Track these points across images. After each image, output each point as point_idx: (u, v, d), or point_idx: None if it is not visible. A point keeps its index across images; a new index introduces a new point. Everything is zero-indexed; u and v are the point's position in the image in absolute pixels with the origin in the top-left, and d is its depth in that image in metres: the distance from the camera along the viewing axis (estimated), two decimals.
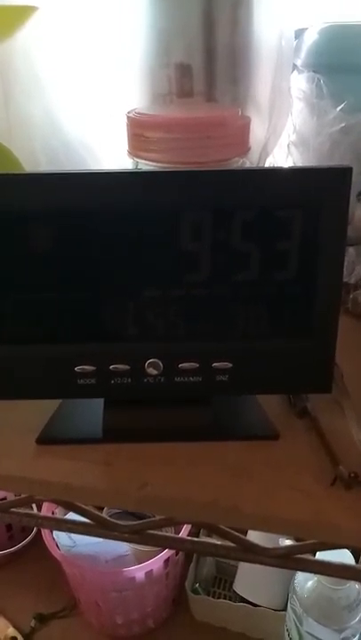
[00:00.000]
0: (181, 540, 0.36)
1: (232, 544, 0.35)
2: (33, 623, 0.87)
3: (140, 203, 0.32)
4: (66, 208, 0.32)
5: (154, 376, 0.35)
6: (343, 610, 0.67)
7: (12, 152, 0.47)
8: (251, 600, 0.84)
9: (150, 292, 0.34)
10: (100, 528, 0.36)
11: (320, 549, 0.33)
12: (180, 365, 0.35)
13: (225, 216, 0.33)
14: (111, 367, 0.35)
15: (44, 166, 0.51)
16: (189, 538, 0.36)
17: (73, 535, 0.82)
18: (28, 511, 0.38)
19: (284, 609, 0.79)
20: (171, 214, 0.33)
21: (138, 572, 0.77)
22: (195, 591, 0.87)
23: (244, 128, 0.44)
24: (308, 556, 0.33)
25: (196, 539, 0.35)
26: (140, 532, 0.35)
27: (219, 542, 0.35)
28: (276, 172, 0.33)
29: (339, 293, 0.34)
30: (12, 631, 0.86)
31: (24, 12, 0.40)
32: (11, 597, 0.91)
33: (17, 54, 0.48)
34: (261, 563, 0.34)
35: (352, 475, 0.32)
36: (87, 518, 0.36)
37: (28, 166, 0.49)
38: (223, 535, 0.34)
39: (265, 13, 0.48)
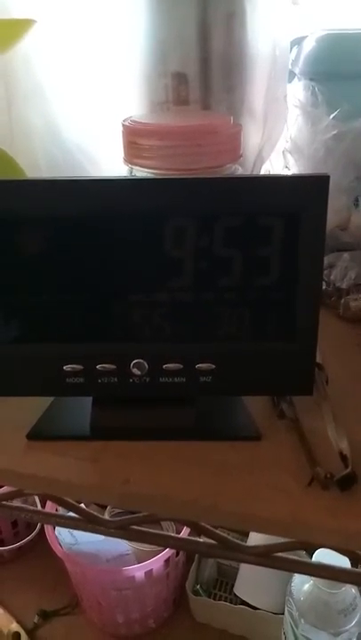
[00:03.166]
0: (165, 536, 0.37)
1: (213, 541, 0.35)
2: (36, 619, 0.89)
3: (126, 209, 0.34)
4: (54, 213, 0.34)
5: (139, 376, 0.37)
6: (339, 614, 0.67)
7: (14, 159, 0.49)
8: (251, 603, 0.84)
9: (136, 296, 0.36)
10: (87, 522, 0.38)
11: (298, 548, 0.34)
12: (164, 366, 0.36)
13: (208, 223, 0.34)
14: (98, 367, 0.37)
15: (45, 172, 0.52)
16: (173, 535, 0.37)
17: (75, 533, 0.84)
18: (19, 504, 0.39)
19: (283, 612, 0.79)
20: (156, 220, 0.34)
21: (138, 571, 0.78)
22: (195, 592, 0.87)
23: (235, 135, 0.45)
24: (287, 555, 0.34)
25: (178, 536, 0.36)
26: (126, 528, 0.37)
27: (201, 540, 0.36)
28: (257, 181, 0.34)
29: (318, 298, 0.35)
30: (15, 626, 0.88)
31: (22, 26, 0.41)
32: (15, 593, 0.93)
33: (19, 63, 0.50)
34: (241, 560, 0.35)
35: (328, 475, 0.33)
36: (75, 513, 0.38)
37: (30, 172, 0.51)
38: (204, 532, 0.35)
39: (259, 24, 0.50)
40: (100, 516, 0.37)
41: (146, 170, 0.45)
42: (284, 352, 0.36)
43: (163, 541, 0.37)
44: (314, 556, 0.57)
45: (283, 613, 0.80)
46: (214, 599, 0.88)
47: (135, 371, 0.36)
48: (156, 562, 0.78)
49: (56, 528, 0.82)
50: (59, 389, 0.38)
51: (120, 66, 0.52)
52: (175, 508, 0.34)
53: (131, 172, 0.47)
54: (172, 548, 0.36)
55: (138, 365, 0.36)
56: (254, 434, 0.38)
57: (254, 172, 0.55)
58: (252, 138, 0.48)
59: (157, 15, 0.49)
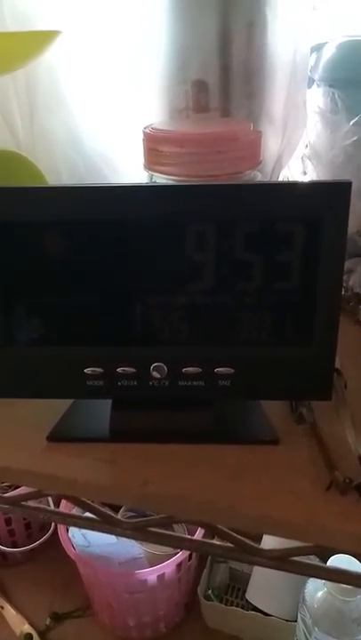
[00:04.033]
0: (181, 538, 0.37)
1: (229, 544, 0.36)
2: (48, 621, 0.89)
3: (148, 214, 0.34)
4: (79, 219, 0.35)
5: (158, 379, 0.37)
6: (353, 622, 0.66)
7: (36, 165, 0.50)
8: (263, 609, 0.83)
9: (156, 300, 0.36)
10: (103, 523, 0.38)
11: (316, 553, 0.34)
12: (183, 370, 0.37)
13: (228, 228, 0.34)
14: (118, 370, 0.37)
15: (65, 179, 0.53)
16: (189, 537, 0.37)
17: (88, 535, 0.84)
18: (36, 505, 0.40)
19: (296, 619, 0.79)
20: (176, 226, 0.34)
21: (150, 574, 0.78)
22: (207, 597, 0.87)
23: (255, 142, 0.45)
24: (303, 559, 0.34)
25: (194, 538, 0.36)
26: (141, 530, 0.37)
27: (218, 542, 0.36)
28: (277, 187, 0.34)
29: (338, 304, 0.35)
30: (27, 628, 0.88)
31: (47, 37, 0.42)
32: (27, 595, 0.94)
33: (42, 71, 0.51)
34: (258, 564, 0.35)
35: (347, 480, 0.33)
36: (92, 513, 0.38)
37: (51, 178, 0.52)
38: (220, 534, 0.35)
39: (279, 31, 0.50)
40: (117, 517, 0.37)
41: (166, 176, 0.46)
42: (303, 357, 0.36)
43: (178, 543, 0.37)
44: (329, 561, 0.56)
45: (295, 620, 0.79)
46: (226, 605, 0.88)
47: (155, 374, 0.37)
48: (169, 565, 0.79)
49: (69, 530, 0.83)
50: (79, 392, 0.38)
51: (141, 74, 0.53)
52: (192, 509, 0.34)
53: (151, 179, 0.47)
54: (187, 550, 0.36)
55: (157, 369, 0.37)
56: (272, 438, 0.38)
57: (273, 178, 0.56)
58: (271, 144, 0.48)
59: (178, 24, 0.50)
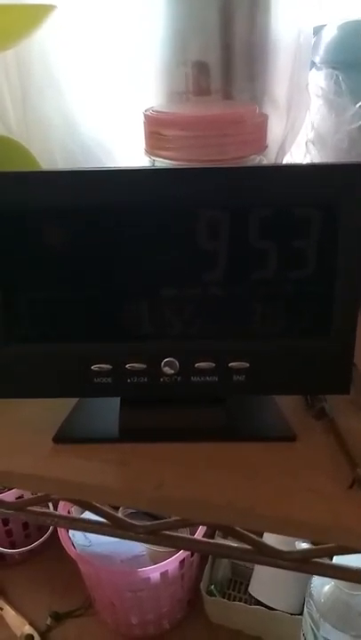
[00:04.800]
0: (197, 541, 0.36)
1: (248, 546, 0.34)
2: (49, 621, 0.88)
3: (157, 200, 0.32)
4: (81, 206, 0.32)
5: (170, 375, 0.35)
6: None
7: (29, 151, 0.47)
8: (266, 603, 0.83)
9: (167, 291, 0.34)
10: (115, 528, 0.36)
11: (337, 553, 0.32)
12: (196, 365, 0.35)
13: (242, 214, 0.32)
14: (127, 366, 0.35)
15: (61, 164, 0.51)
16: (205, 539, 0.35)
17: (88, 534, 0.82)
18: (44, 510, 0.38)
19: (301, 613, 0.78)
20: (187, 212, 0.32)
21: (153, 572, 0.77)
22: (210, 593, 0.86)
23: (261, 125, 0.43)
24: (325, 561, 0.33)
25: (211, 540, 0.35)
26: (156, 533, 0.35)
27: (235, 544, 0.35)
28: (293, 169, 0.32)
29: (358, 293, 0.33)
30: (28, 629, 0.87)
31: (42, 12, 0.40)
32: (27, 595, 0.92)
33: (33, 55, 0.48)
34: (277, 566, 0.33)
35: None
36: (103, 518, 0.36)
37: (45, 165, 0.50)
38: (239, 537, 0.33)
39: (283, 10, 0.48)
40: (131, 521, 0.36)
41: (168, 161, 0.44)
42: (320, 348, 0.35)
43: (195, 546, 0.35)
44: (334, 559, 0.55)
45: (299, 614, 0.78)
46: (229, 599, 0.87)
47: (166, 370, 0.35)
48: (172, 563, 0.77)
49: (69, 529, 0.81)
50: (86, 390, 0.36)
51: (138, 55, 0.50)
52: (210, 512, 0.32)
53: (153, 164, 0.45)
54: (204, 553, 0.35)
55: (169, 364, 0.35)
56: (289, 434, 0.36)
57: (276, 163, 0.54)
58: (275, 128, 0.46)
59: (178, 2, 0.48)
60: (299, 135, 0.56)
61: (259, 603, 0.83)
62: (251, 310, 0.35)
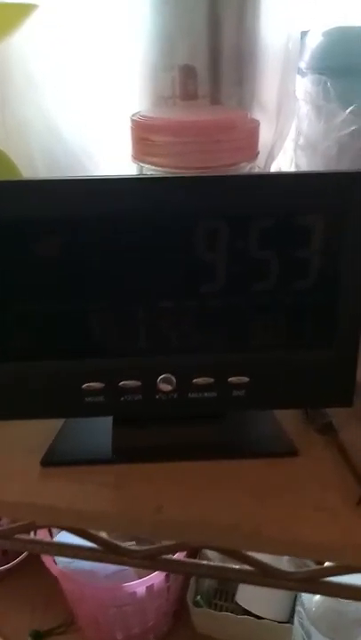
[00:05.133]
0: (198, 564, 0.34)
1: (250, 568, 0.33)
2: None
3: (153, 210, 0.31)
4: (72, 217, 0.31)
5: (167, 392, 0.34)
6: (353, 624, 0.65)
7: (9, 157, 0.45)
8: (254, 612, 0.82)
9: (163, 304, 0.33)
10: (109, 554, 0.34)
11: (345, 573, 0.31)
12: (194, 380, 0.33)
13: (242, 223, 0.31)
14: (121, 384, 0.33)
15: (43, 172, 0.49)
16: (206, 562, 0.34)
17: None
18: (31, 537, 0.36)
19: (289, 621, 0.77)
20: (184, 222, 0.31)
21: (138, 586, 0.75)
22: (196, 604, 0.85)
23: (253, 131, 0.42)
24: (333, 580, 0.32)
25: (213, 564, 0.33)
26: (154, 558, 0.33)
27: (237, 567, 0.33)
28: (295, 178, 0.31)
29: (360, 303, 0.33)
30: None
31: (23, 10, 0.38)
32: (6, 614, 0.89)
33: (12, 56, 0.46)
34: (283, 587, 0.32)
35: None
36: (96, 544, 0.34)
37: (26, 173, 0.47)
38: (243, 559, 0.32)
39: (272, 14, 0.47)
40: (126, 546, 0.34)
41: (158, 168, 0.42)
42: (323, 361, 0.34)
43: (195, 570, 0.34)
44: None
45: (288, 622, 0.78)
46: (215, 609, 0.85)
47: (162, 386, 0.33)
48: (158, 576, 0.75)
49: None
50: (77, 410, 0.34)
51: (124, 58, 0.49)
52: (214, 535, 0.31)
53: (141, 171, 0.43)
54: (205, 577, 0.33)
55: (166, 380, 0.33)
56: (290, 449, 0.35)
57: (266, 170, 0.53)
58: (264, 134, 0.45)
59: (164, 5, 0.46)
60: (285, 141, 0.55)
61: (246, 611, 0.82)
62: (251, 323, 0.33)
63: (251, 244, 0.32)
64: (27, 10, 0.38)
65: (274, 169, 0.56)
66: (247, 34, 0.47)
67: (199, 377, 0.33)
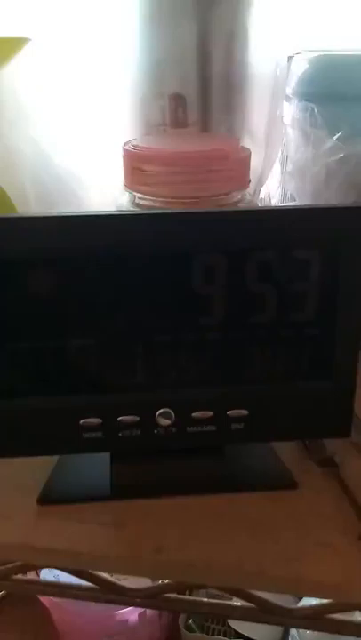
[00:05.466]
0: (199, 603, 0.33)
1: (251, 605, 0.32)
2: None
3: (149, 244, 0.31)
4: (67, 252, 0.30)
5: (165, 427, 0.33)
6: None
7: (4, 191, 0.44)
8: (247, 635, 0.81)
9: (160, 338, 0.32)
10: (108, 593, 0.33)
11: (347, 610, 0.31)
12: (193, 415, 0.33)
13: (239, 257, 0.31)
14: (119, 419, 0.33)
15: (34, 201, 0.48)
16: (207, 600, 0.33)
17: (61, 578, 0.78)
18: (29, 578, 0.34)
19: None
20: (182, 256, 0.31)
21: (131, 614, 0.74)
22: (188, 628, 0.83)
23: (245, 160, 0.43)
24: (339, 616, 0.31)
25: (214, 601, 0.33)
26: (155, 597, 0.33)
27: (238, 604, 0.33)
28: (292, 212, 0.32)
29: (359, 334, 0.33)
30: None
31: (15, 45, 0.38)
32: None
33: (2, 89, 0.46)
34: (287, 624, 0.32)
35: None
36: (94, 584, 0.34)
37: (17, 203, 0.47)
38: (245, 597, 0.31)
39: (260, 43, 0.48)
40: (126, 585, 0.33)
41: (150, 197, 0.42)
42: (321, 392, 0.34)
43: (195, 608, 0.33)
44: None
45: None
46: (208, 633, 0.84)
47: (161, 421, 0.33)
48: None
49: (40, 574, 0.76)
50: (75, 446, 0.33)
51: (113, 87, 0.49)
52: (216, 575, 0.30)
53: (133, 199, 0.43)
54: (206, 615, 0.33)
55: (164, 415, 0.33)
56: (290, 482, 0.35)
57: (255, 198, 0.53)
58: (253, 161, 0.46)
59: (154, 34, 0.47)
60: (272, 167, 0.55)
61: (239, 635, 0.81)
62: (249, 356, 0.33)
63: (248, 278, 0.32)
64: (18, 44, 0.38)
65: (263, 193, 0.57)
66: (236, 62, 0.48)
67: (198, 411, 0.33)
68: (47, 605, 0.76)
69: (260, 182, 0.54)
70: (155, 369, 0.33)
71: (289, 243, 0.31)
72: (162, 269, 0.31)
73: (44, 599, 0.75)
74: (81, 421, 0.33)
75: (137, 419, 0.33)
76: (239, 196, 0.44)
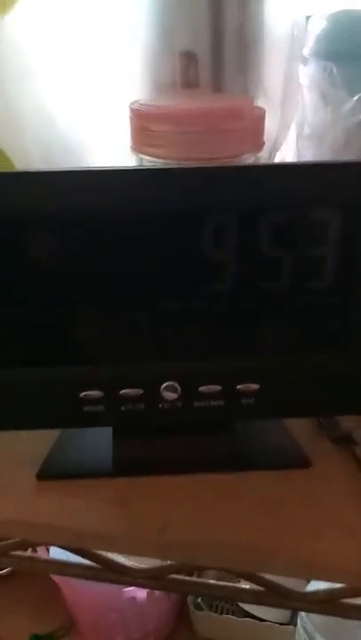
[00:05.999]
0: (207, 585, 0.32)
1: (261, 588, 0.31)
2: None
3: (154, 204, 0.28)
4: (68, 212, 0.28)
5: (171, 401, 0.31)
6: (358, 628, 0.64)
7: (1, 149, 0.42)
8: (255, 614, 0.80)
9: (166, 306, 0.30)
10: (111, 573, 0.32)
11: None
12: (200, 389, 0.31)
13: (251, 218, 0.29)
14: (122, 392, 0.31)
15: (37, 163, 0.46)
16: (215, 582, 0.32)
17: (70, 554, 0.78)
18: (31, 554, 0.33)
19: (290, 623, 0.76)
20: (189, 217, 0.29)
21: (139, 591, 0.73)
22: (197, 606, 0.83)
23: (259, 120, 0.40)
24: (353, 601, 0.30)
25: (223, 583, 0.31)
26: (160, 578, 0.31)
27: (247, 587, 0.31)
28: (309, 168, 0.29)
29: None
30: None
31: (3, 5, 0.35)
32: (6, 617, 0.87)
33: (4, 44, 0.43)
34: (299, 609, 0.30)
35: None
36: (97, 563, 0.32)
37: (20, 164, 0.45)
38: (256, 581, 0.30)
39: (277, 1, 0.45)
40: (129, 564, 0.32)
41: (158, 159, 0.40)
42: (337, 366, 0.31)
43: (205, 591, 0.32)
44: None
45: (289, 624, 0.77)
46: (217, 611, 0.84)
47: (166, 395, 0.31)
48: None
49: (50, 550, 0.76)
50: (75, 420, 0.32)
51: (122, 45, 0.46)
52: (228, 556, 0.29)
53: (140, 162, 0.41)
54: (215, 597, 0.31)
55: (169, 388, 0.31)
56: (303, 460, 0.33)
57: (270, 161, 0.50)
58: (268, 123, 0.43)
59: None
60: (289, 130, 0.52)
61: (247, 614, 0.81)
62: (260, 326, 0.31)
63: (261, 241, 0.29)
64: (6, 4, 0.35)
65: (278, 159, 0.54)
66: (251, 19, 0.44)
67: (205, 384, 0.31)
68: (56, 580, 0.76)
69: (275, 147, 0.51)
70: (159, 339, 0.31)
71: (305, 202, 0.29)
72: (167, 231, 0.29)
73: (57, 577, 0.75)
74: (81, 394, 0.31)
75: (140, 392, 0.31)
76: (252, 159, 0.42)
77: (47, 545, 0.32)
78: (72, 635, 0.85)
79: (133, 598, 0.74)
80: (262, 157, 0.45)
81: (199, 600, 0.85)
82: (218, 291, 0.30)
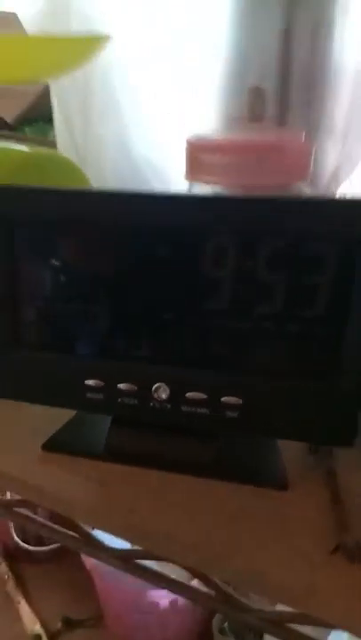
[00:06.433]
0: (164, 578, 0.34)
1: (212, 592, 0.32)
2: (59, 625, 0.88)
3: (166, 225, 0.32)
4: (96, 225, 0.33)
5: (160, 401, 0.34)
6: None
7: (81, 170, 0.48)
8: None
9: (166, 316, 0.34)
10: (88, 546, 0.35)
11: (308, 623, 0.29)
12: (187, 394, 0.33)
13: (252, 244, 0.31)
14: (119, 385, 0.35)
15: (111, 184, 0.52)
16: (171, 577, 0.33)
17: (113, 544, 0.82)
18: (28, 514, 0.38)
19: None
20: (196, 238, 0.32)
21: (162, 598, 0.75)
22: (222, 631, 0.82)
23: (304, 153, 0.41)
24: (300, 628, 0.30)
25: (175, 579, 0.33)
26: (125, 560, 0.34)
27: (205, 590, 0.33)
28: (310, 203, 0.30)
29: None
30: (38, 628, 0.87)
31: (96, 43, 0.40)
32: (45, 595, 0.93)
33: (96, 76, 0.50)
34: (247, 623, 0.31)
35: (358, 546, 0.28)
36: (78, 535, 0.36)
37: (97, 184, 0.51)
38: (206, 582, 0.31)
39: (349, 33, 0.46)
40: (103, 543, 0.35)
41: (206, 185, 0.43)
42: (324, 393, 0.32)
43: (163, 582, 0.34)
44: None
45: None
46: None
47: (157, 395, 0.34)
48: None
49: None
50: (78, 403, 0.36)
51: (198, 79, 0.50)
52: (178, 550, 0.31)
53: (190, 189, 0.45)
54: (168, 590, 0.33)
55: (160, 389, 0.34)
56: (281, 482, 0.34)
57: (329, 193, 0.51)
58: (328, 156, 0.44)
59: (240, 25, 0.47)
60: (358, 165, 0.53)
61: None
62: (251, 345, 0.33)
63: (259, 266, 0.31)
64: (100, 41, 0.41)
65: (342, 191, 0.54)
66: (320, 53, 0.46)
67: (192, 391, 0.33)
68: (88, 568, 0.80)
69: (336, 179, 0.51)
70: (158, 344, 0.34)
71: (304, 233, 0.30)
72: (175, 249, 0.32)
73: (87, 562, 0.79)
74: (86, 381, 0.35)
75: (135, 388, 0.34)
76: (298, 190, 0.43)
77: (33, 504, 0.37)
78: (100, 625, 0.88)
79: (156, 603, 0.75)
80: (318, 188, 0.46)
81: (225, 625, 0.84)
82: (215, 308, 0.33)
